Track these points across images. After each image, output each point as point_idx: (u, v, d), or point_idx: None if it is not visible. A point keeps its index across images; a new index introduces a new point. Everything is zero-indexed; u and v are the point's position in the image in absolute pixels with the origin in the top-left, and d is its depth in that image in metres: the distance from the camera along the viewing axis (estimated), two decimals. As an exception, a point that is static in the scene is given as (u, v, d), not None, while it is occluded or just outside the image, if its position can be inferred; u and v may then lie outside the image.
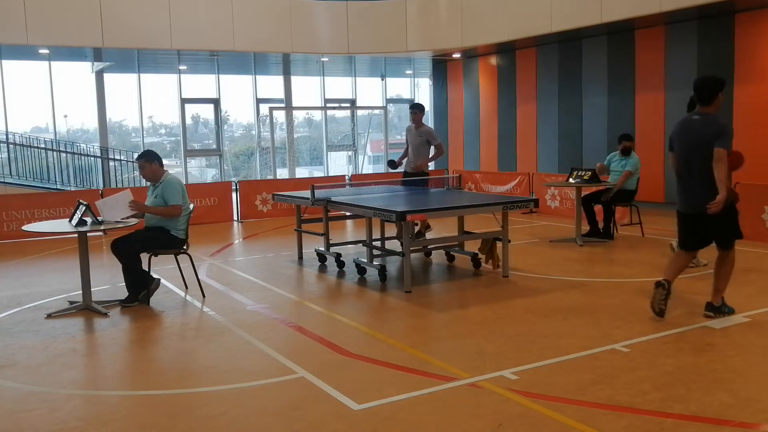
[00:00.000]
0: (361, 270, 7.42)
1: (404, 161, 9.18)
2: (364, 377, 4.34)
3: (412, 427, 3.60)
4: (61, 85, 16.23)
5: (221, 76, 17.95)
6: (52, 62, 15.85)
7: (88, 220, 6.01)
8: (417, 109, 9.02)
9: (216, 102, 18.08)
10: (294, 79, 18.76)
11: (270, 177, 16.00)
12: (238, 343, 5.14)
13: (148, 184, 6.70)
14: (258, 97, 18.51)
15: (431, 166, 9.66)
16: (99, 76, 16.57)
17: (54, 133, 16.52)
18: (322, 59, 16.46)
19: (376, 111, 19.30)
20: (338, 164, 19.71)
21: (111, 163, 16.57)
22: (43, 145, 15.87)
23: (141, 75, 17.06)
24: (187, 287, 6.84)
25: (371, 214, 6.74)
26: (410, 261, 6.74)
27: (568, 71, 14.27)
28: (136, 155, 16.48)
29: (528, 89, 15.33)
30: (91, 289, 6.19)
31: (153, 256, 6.45)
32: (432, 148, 9.01)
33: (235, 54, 14.67)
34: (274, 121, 16.63)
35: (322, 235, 7.94)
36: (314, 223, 8.47)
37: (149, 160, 6.44)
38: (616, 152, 9.39)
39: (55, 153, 16.00)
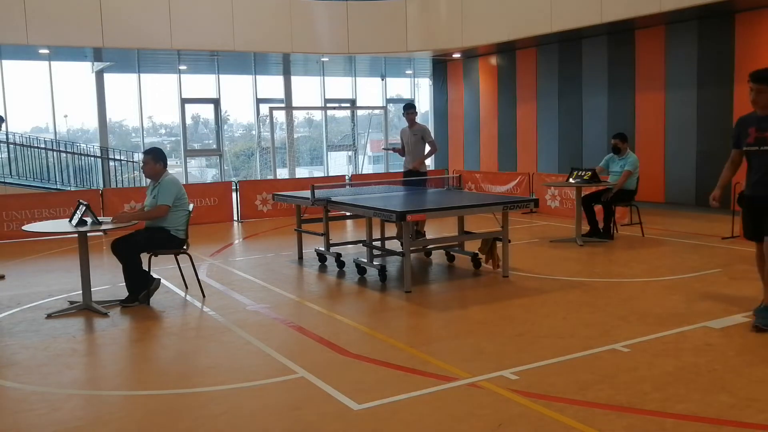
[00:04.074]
0: (361, 270, 7.41)
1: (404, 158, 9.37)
2: (364, 377, 4.34)
3: (412, 427, 3.60)
4: (61, 85, 16.24)
5: (221, 76, 17.95)
6: (52, 62, 15.85)
7: (88, 220, 6.00)
8: (411, 109, 9.13)
9: (216, 102, 18.08)
10: (294, 79, 18.77)
11: (270, 177, 16.00)
12: (238, 343, 5.14)
13: (148, 182, 6.68)
14: (258, 97, 18.51)
15: (429, 163, 9.86)
16: (99, 76, 16.57)
17: (54, 133, 16.52)
18: (322, 59, 16.46)
19: (376, 111, 19.31)
20: (338, 164, 19.72)
21: (111, 163, 16.56)
22: (43, 145, 15.87)
23: (141, 75, 17.06)
24: (187, 287, 6.84)
25: (371, 214, 6.74)
26: (410, 261, 6.74)
27: (568, 71, 14.27)
28: (136, 155, 16.63)
29: (528, 89, 15.33)
30: (91, 289, 6.19)
31: (153, 256, 6.44)
32: (426, 145, 9.13)
33: (235, 54, 14.68)
34: (274, 121, 16.63)
35: (322, 235, 7.95)
36: (314, 223, 8.47)
37: (155, 159, 6.42)
38: (611, 154, 9.40)
39: (55, 153, 16.00)
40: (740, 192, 5.69)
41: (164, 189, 6.32)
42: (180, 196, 6.40)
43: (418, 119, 9.29)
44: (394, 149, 9.42)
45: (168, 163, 6.64)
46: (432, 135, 9.57)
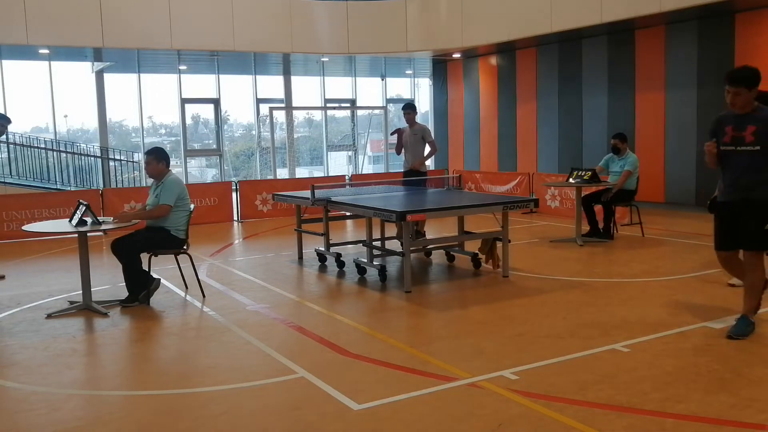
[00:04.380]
0: (361, 270, 7.41)
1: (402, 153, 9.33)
2: (364, 377, 4.34)
3: (412, 427, 3.60)
4: (61, 85, 16.24)
5: (221, 76, 17.95)
6: (52, 62, 15.85)
7: (88, 220, 6.00)
8: (410, 108, 9.09)
9: (216, 102, 18.08)
10: (294, 79, 18.77)
11: (270, 177, 16.00)
12: (238, 343, 5.14)
13: (150, 182, 6.68)
14: (258, 97, 18.51)
15: (429, 163, 9.82)
16: (99, 76, 16.57)
17: (54, 133, 16.52)
18: (322, 59, 16.46)
19: (376, 111, 19.31)
20: (338, 164, 19.72)
21: (111, 163, 16.57)
22: (43, 145, 15.87)
23: (141, 75, 17.06)
24: (187, 287, 6.84)
25: (371, 214, 6.74)
26: (410, 261, 6.74)
27: (568, 71, 14.27)
28: (136, 155, 16.63)
29: (528, 89, 15.33)
30: (91, 289, 6.19)
31: (153, 256, 6.44)
32: (426, 145, 9.09)
33: (235, 54, 14.68)
34: (274, 121, 16.63)
35: (322, 235, 7.95)
36: (314, 223, 8.47)
37: (158, 159, 6.43)
38: (611, 155, 9.41)
39: (55, 153, 16.00)
40: (711, 198, 5.48)
41: (167, 188, 6.32)
42: (183, 196, 6.40)
43: (417, 119, 9.27)
44: (398, 131, 9.34)
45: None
46: (432, 135, 9.54)
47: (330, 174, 17.72)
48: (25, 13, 12.02)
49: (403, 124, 9.34)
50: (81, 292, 6.16)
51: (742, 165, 4.84)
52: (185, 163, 18.02)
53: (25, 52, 14.11)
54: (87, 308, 6.09)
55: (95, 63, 16.11)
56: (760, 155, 4.76)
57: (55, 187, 15.24)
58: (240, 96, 18.90)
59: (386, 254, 8.00)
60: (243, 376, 4.40)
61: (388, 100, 20.06)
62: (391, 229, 8.94)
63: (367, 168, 20.48)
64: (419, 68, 19.03)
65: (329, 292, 6.90)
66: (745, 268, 5.02)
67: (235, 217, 12.68)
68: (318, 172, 19.64)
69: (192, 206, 6.66)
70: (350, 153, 19.85)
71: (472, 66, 16.93)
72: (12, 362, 4.81)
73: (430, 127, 17.80)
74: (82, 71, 16.85)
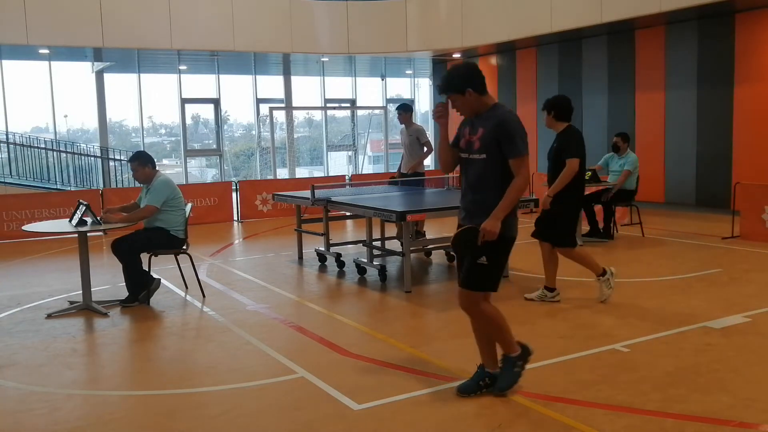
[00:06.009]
0: (361, 270, 7.41)
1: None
2: (364, 377, 4.34)
3: (412, 427, 3.60)
4: (61, 85, 16.23)
5: (221, 76, 17.95)
6: (52, 62, 15.84)
7: (88, 220, 6.00)
8: (402, 109, 8.92)
9: (216, 102, 18.07)
10: (294, 79, 18.77)
11: (270, 177, 15.99)
12: (238, 343, 5.14)
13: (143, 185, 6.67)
14: (258, 97, 18.51)
15: (428, 163, 9.74)
16: (99, 76, 16.57)
17: (54, 133, 16.51)
18: (322, 59, 16.46)
19: (376, 111, 19.31)
20: (338, 164, 19.72)
21: (111, 163, 16.56)
22: (43, 145, 15.87)
23: (141, 75, 17.06)
24: (187, 287, 6.84)
25: (371, 214, 6.74)
26: (410, 261, 6.74)
27: (568, 71, 14.26)
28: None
29: (528, 89, 15.33)
30: (91, 289, 6.19)
31: (153, 256, 6.44)
32: (422, 146, 9.02)
33: (235, 54, 14.67)
34: (274, 121, 16.63)
35: (322, 235, 7.94)
36: (314, 223, 8.47)
37: (143, 164, 6.41)
38: (611, 154, 9.41)
39: (55, 153, 16.00)
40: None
41: (155, 190, 6.32)
42: (174, 196, 6.37)
43: (418, 120, 9.19)
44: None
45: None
46: (427, 135, 9.43)
47: (330, 174, 17.71)
48: (25, 13, 12.02)
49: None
50: (81, 292, 6.16)
51: (470, 179, 3.95)
52: (185, 163, 18.00)
53: (25, 52, 14.10)
54: (87, 308, 6.09)
55: (95, 63, 16.11)
56: (487, 167, 3.85)
57: (55, 187, 15.24)
58: (240, 96, 18.90)
59: (386, 254, 8.00)
60: (243, 376, 4.40)
61: (388, 100, 20.04)
62: (391, 229, 8.94)
63: (367, 168, 20.48)
64: (419, 68, 19.02)
65: (329, 292, 6.90)
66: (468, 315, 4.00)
67: (235, 217, 12.67)
68: (318, 172, 19.64)
69: (189, 206, 6.65)
70: (350, 153, 19.85)
71: (472, 66, 16.91)
72: (12, 362, 4.81)
73: (431, 127, 17.79)
74: (82, 71, 16.85)
